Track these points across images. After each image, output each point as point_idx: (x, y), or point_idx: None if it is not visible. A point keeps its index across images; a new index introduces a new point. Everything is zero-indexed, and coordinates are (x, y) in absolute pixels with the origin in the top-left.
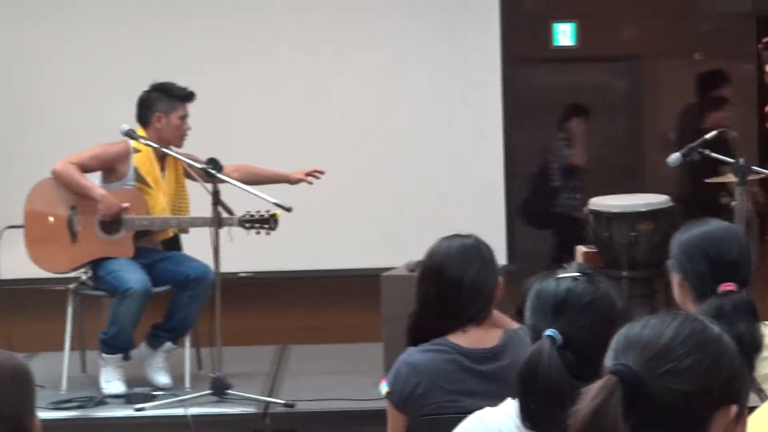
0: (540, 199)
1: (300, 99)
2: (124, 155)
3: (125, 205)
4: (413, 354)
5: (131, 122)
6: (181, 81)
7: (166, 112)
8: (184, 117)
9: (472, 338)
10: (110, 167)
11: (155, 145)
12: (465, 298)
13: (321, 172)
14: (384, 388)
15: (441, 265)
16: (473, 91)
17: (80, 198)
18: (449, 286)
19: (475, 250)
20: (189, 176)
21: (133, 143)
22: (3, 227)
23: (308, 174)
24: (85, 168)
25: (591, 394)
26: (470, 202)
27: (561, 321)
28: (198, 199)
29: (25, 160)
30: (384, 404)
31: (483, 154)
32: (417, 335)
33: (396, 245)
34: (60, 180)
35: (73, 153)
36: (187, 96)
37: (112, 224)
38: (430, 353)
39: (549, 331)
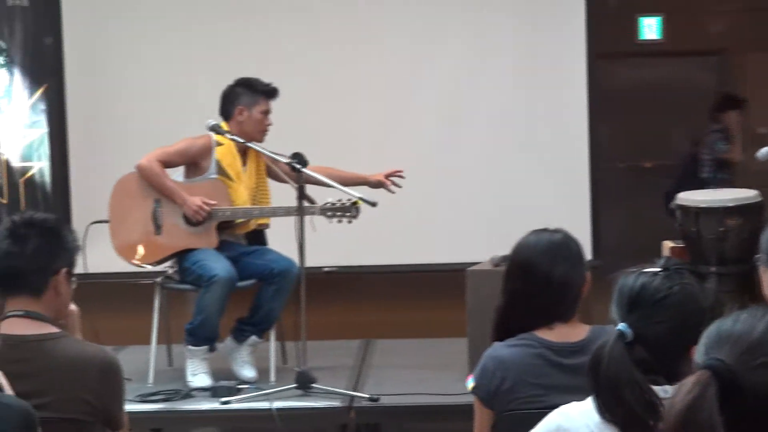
0: (688, 189)
1: (382, 95)
2: (207, 149)
3: (212, 203)
4: (499, 349)
5: (213, 118)
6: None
7: (248, 105)
8: (266, 112)
9: (558, 333)
10: (194, 162)
11: (240, 140)
12: (553, 296)
13: (400, 172)
14: (470, 383)
15: (529, 261)
16: (558, 86)
17: None
18: (537, 283)
19: (564, 245)
20: (271, 175)
21: (216, 137)
22: (89, 223)
23: (388, 176)
24: (170, 163)
25: (685, 389)
26: (555, 197)
27: (634, 316)
28: (278, 194)
29: (109, 156)
30: (469, 399)
31: (568, 148)
32: (503, 330)
33: (481, 240)
34: (144, 176)
35: (158, 148)
36: (270, 92)
37: None
38: (516, 348)
39: (620, 326)
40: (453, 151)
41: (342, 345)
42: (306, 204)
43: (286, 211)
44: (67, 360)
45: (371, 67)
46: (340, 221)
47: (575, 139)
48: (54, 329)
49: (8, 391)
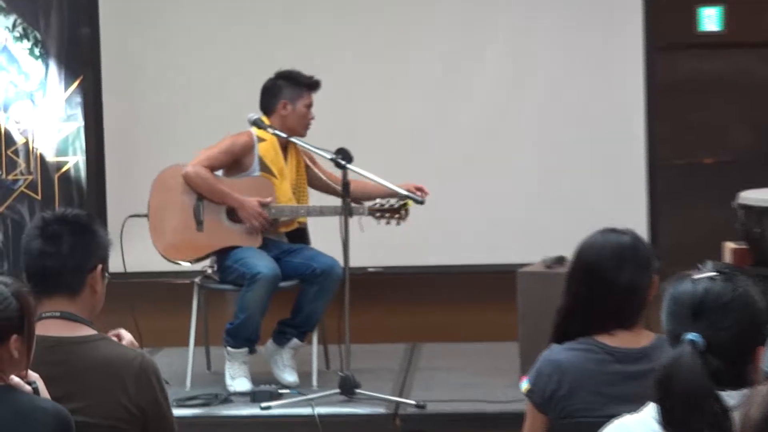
0: None
1: (433, 92)
2: (249, 146)
3: (267, 200)
4: (557, 352)
5: (254, 112)
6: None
7: (292, 99)
8: (309, 105)
9: (620, 339)
10: (237, 159)
11: (284, 135)
12: (617, 302)
13: (424, 191)
14: (524, 385)
15: (594, 263)
16: (615, 80)
17: None
18: (601, 287)
19: (632, 249)
20: (312, 183)
21: (256, 132)
22: (126, 217)
23: (417, 188)
24: (216, 166)
25: (759, 398)
26: (611, 195)
27: (701, 324)
28: (316, 192)
29: (146, 150)
30: (521, 406)
31: (625, 144)
32: (562, 333)
33: (533, 239)
34: (193, 185)
35: (201, 152)
36: (313, 84)
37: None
38: (575, 352)
39: (690, 335)
40: (504, 148)
41: (387, 348)
42: (349, 202)
43: (333, 211)
44: (104, 363)
45: (420, 64)
46: (388, 222)
47: (632, 134)
48: (91, 331)
49: (45, 394)
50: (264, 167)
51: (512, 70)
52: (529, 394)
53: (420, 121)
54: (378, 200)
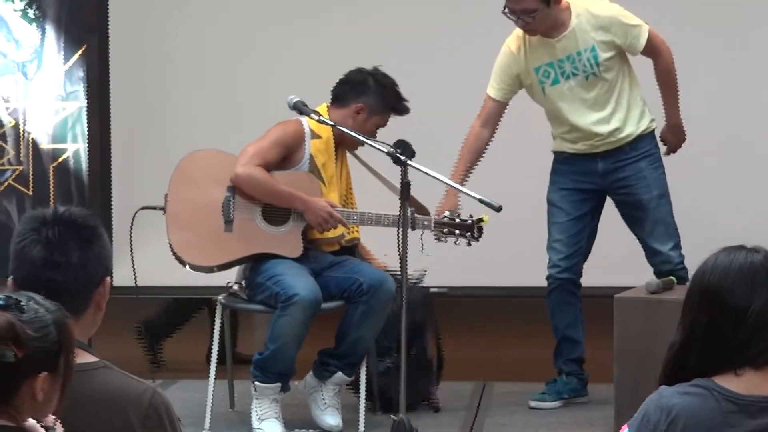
0: None
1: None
2: (300, 137)
3: (336, 206)
4: (668, 395)
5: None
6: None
7: (371, 110)
8: (381, 126)
9: (747, 383)
10: (288, 154)
11: (331, 123)
12: (747, 334)
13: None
14: None
15: (717, 287)
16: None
17: None
18: (726, 316)
19: (765, 269)
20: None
21: (309, 125)
22: (137, 209)
23: None
24: (270, 161)
25: None
26: (737, 207)
27: None
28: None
29: (160, 137)
30: None
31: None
32: (675, 372)
33: (634, 259)
34: (246, 188)
35: (247, 147)
36: (401, 111)
37: (277, 213)
38: (690, 396)
39: None
40: None
41: (451, 387)
42: (414, 211)
43: (393, 221)
44: (106, 398)
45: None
46: (456, 242)
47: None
48: (92, 358)
49: None
50: (313, 169)
51: None
52: None
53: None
54: (447, 214)
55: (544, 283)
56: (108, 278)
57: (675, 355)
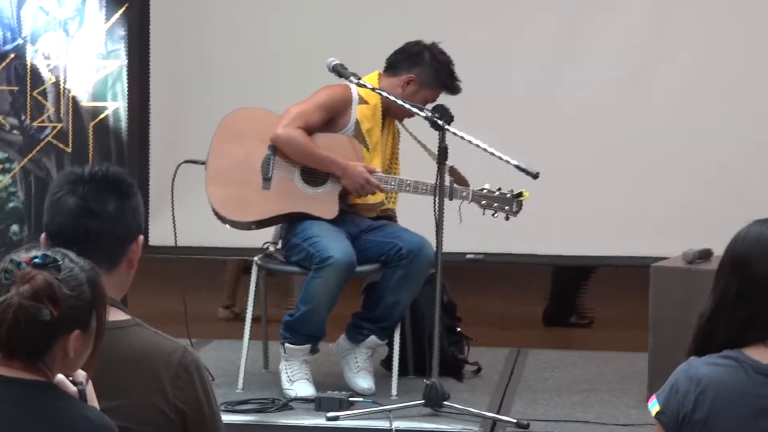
0: None
1: (553, 57)
2: (347, 102)
3: (377, 170)
4: (697, 366)
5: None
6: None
7: (422, 82)
8: (430, 101)
9: None
10: (333, 118)
11: (370, 86)
12: None
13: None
14: (654, 405)
15: (749, 255)
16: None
17: None
18: (757, 284)
19: None
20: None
21: (358, 91)
22: (179, 164)
23: None
24: (312, 124)
25: None
26: None
27: None
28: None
29: (198, 97)
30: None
31: None
32: (705, 343)
33: (673, 228)
34: (286, 149)
35: (290, 108)
36: (452, 89)
37: (316, 174)
38: (720, 368)
39: None
40: (637, 122)
41: (486, 353)
42: (453, 182)
43: (431, 189)
44: (137, 356)
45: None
46: (495, 214)
47: None
48: (125, 316)
49: (93, 401)
50: (358, 134)
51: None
52: (660, 416)
53: (537, 89)
54: (486, 186)
55: (585, 252)
56: (141, 237)
57: (705, 325)
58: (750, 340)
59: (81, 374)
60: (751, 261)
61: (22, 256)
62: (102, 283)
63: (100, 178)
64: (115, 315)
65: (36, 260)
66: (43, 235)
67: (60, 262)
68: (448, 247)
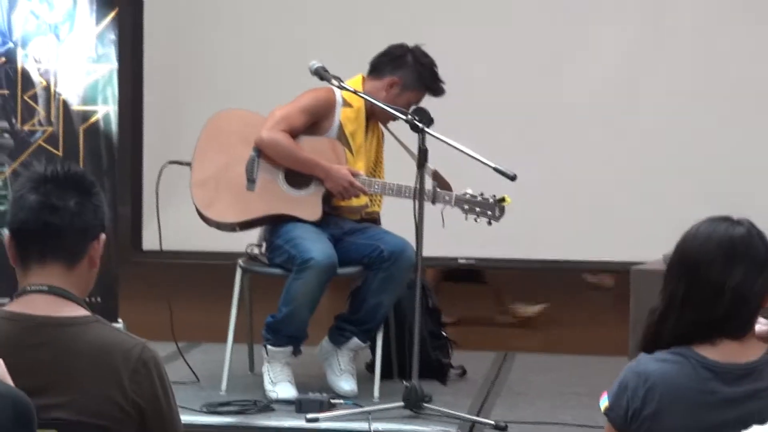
0: None
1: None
2: (331, 105)
3: (359, 172)
4: (646, 362)
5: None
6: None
7: (405, 85)
8: (414, 103)
9: (723, 351)
10: (317, 121)
11: (351, 89)
12: (724, 308)
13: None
14: (604, 402)
15: (696, 258)
16: None
17: None
18: (705, 288)
19: (746, 242)
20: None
21: (342, 94)
22: (165, 163)
23: None
24: (295, 127)
25: None
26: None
27: None
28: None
29: (192, 101)
30: None
31: None
32: (654, 340)
33: (654, 232)
34: (269, 152)
35: (274, 111)
36: (435, 91)
37: (300, 176)
38: (667, 364)
39: None
40: (623, 128)
41: (471, 357)
42: (436, 186)
43: (412, 192)
44: (96, 350)
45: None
46: (476, 219)
47: None
48: (84, 312)
49: (6, 378)
50: (341, 137)
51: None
52: (608, 412)
53: (528, 99)
54: (469, 191)
55: (570, 257)
56: (103, 235)
57: (655, 323)
58: (698, 338)
59: None
60: (699, 264)
61: None
62: None
63: (62, 176)
64: (77, 311)
65: None
66: (6, 234)
67: None
68: (439, 251)
